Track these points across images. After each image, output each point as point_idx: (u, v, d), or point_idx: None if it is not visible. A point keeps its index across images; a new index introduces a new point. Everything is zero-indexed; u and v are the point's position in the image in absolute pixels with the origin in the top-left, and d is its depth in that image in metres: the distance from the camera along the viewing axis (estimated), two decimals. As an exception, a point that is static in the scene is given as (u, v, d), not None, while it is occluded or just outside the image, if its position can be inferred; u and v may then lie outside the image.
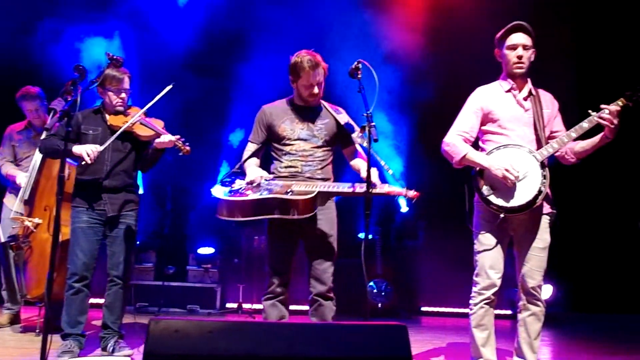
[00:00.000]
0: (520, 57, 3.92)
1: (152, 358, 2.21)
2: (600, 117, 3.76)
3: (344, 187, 3.93)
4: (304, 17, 8.05)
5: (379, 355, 2.21)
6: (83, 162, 4.32)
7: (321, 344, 2.19)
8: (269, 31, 8.05)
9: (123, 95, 4.54)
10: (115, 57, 4.30)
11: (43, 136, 5.12)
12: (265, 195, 3.94)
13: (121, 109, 4.54)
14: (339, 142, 4.29)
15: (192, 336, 2.26)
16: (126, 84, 4.55)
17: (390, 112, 8.41)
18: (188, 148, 4.40)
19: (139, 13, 8.08)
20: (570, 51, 8.62)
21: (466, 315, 4.14)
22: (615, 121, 3.75)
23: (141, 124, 4.48)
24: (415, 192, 3.93)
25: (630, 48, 8.09)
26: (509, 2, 7.45)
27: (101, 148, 4.35)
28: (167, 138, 4.39)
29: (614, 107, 3.75)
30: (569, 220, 7.82)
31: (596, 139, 3.88)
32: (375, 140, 3.45)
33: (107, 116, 4.54)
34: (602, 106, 3.78)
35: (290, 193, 3.91)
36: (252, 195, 3.96)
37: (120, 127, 4.42)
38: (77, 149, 4.35)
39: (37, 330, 5.27)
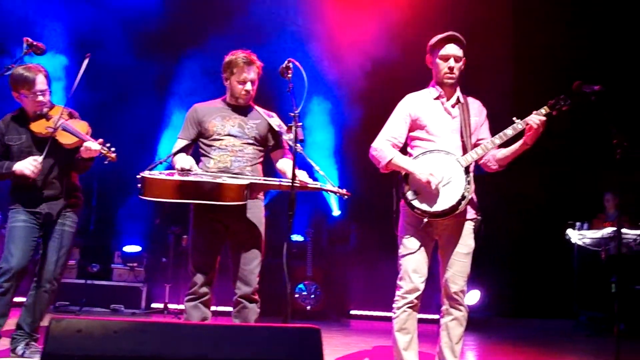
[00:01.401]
0: (451, 69, 3.95)
1: (51, 359, 2.10)
2: (529, 121, 3.82)
3: (275, 181, 3.90)
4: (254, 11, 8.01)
5: (289, 358, 2.16)
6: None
7: (230, 345, 2.12)
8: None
9: (40, 98, 4.16)
10: (35, 43, 4.03)
11: None
12: (194, 178, 3.80)
13: (41, 112, 4.20)
14: (268, 144, 4.24)
15: (95, 336, 2.16)
16: (40, 84, 4.14)
17: (328, 113, 8.45)
18: (114, 155, 4.12)
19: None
20: (507, 60, 8.81)
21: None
22: (542, 128, 3.81)
23: (64, 129, 4.14)
24: (347, 192, 3.92)
25: (565, 58, 8.33)
26: (447, 11, 7.55)
27: (40, 158, 4.08)
28: (90, 145, 4.07)
29: (537, 117, 3.82)
30: (496, 226, 7.98)
31: (516, 146, 3.94)
32: (302, 141, 3.40)
33: (30, 122, 4.23)
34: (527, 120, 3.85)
35: (222, 179, 3.81)
36: (180, 177, 3.80)
37: (42, 134, 4.13)
38: (18, 167, 4.09)
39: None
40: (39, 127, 4.19)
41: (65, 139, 4.15)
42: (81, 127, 4.24)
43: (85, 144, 4.10)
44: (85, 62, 4.14)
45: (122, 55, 7.74)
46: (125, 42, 7.81)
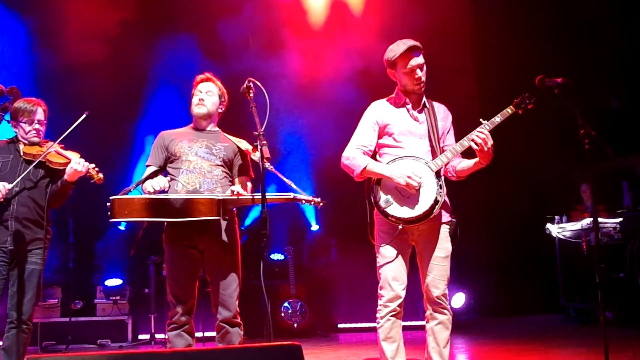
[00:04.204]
0: (419, 79, 3.94)
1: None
2: (473, 140, 3.80)
3: (247, 195, 3.89)
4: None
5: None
6: None
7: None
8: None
9: (37, 126, 4.36)
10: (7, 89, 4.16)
11: None
12: (165, 195, 3.84)
13: (36, 139, 4.36)
14: (235, 168, 4.24)
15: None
16: (39, 114, 4.37)
17: (302, 127, 8.47)
18: (101, 176, 4.24)
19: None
20: (469, 63, 8.91)
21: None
22: (489, 144, 3.77)
23: (55, 152, 4.31)
24: (321, 200, 3.93)
25: (525, 56, 8.44)
26: (411, 20, 7.62)
27: (10, 186, 4.11)
28: (78, 164, 4.16)
29: (484, 129, 3.80)
30: (476, 228, 8.03)
31: (471, 162, 3.93)
32: (268, 159, 3.39)
33: (22, 145, 4.35)
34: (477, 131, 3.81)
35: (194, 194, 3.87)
36: (151, 195, 3.85)
37: (33, 156, 4.23)
38: None
39: None
40: (30, 149, 4.33)
41: (55, 158, 4.30)
42: (73, 154, 4.35)
43: (72, 162, 4.19)
44: (82, 117, 4.26)
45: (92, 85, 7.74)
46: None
